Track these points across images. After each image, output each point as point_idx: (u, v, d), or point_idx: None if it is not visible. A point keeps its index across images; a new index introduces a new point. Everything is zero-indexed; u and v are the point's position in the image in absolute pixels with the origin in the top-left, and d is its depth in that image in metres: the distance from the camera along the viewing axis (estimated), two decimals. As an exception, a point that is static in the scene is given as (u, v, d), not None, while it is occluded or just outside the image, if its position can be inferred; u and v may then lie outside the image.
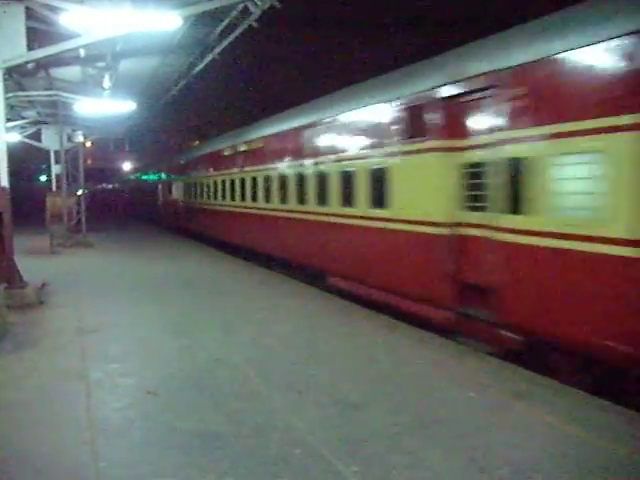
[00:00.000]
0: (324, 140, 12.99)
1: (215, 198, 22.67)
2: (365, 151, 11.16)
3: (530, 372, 7.02)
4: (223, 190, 21.44)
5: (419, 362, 7.51)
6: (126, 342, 8.70)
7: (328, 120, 12.76)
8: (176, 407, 6.11)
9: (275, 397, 6.34)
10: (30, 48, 11.15)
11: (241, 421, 5.70)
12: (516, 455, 4.96)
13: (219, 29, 14.48)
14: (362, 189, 11.18)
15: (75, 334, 9.17)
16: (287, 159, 15.13)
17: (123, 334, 9.18)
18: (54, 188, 26.48)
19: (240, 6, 12.36)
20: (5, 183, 11.21)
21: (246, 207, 18.68)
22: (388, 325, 9.50)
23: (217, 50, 15.46)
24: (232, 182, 20.28)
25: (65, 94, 19.72)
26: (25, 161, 35.58)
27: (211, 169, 23.49)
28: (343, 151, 12.02)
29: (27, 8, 10.96)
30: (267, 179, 16.56)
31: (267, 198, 16.70)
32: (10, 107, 20.47)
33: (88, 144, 38.93)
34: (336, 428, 5.52)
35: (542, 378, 6.82)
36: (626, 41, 6.08)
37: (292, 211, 14.77)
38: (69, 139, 25.91)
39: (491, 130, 7.93)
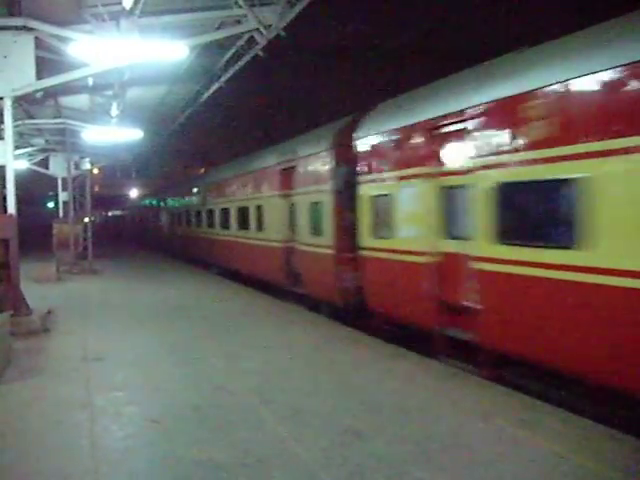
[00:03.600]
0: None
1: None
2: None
3: (535, 400, 6.93)
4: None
5: (423, 390, 7.44)
6: (130, 370, 8.66)
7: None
8: (180, 436, 6.06)
9: (279, 426, 6.28)
10: (39, 77, 11.31)
11: (245, 450, 5.63)
12: (524, 486, 4.88)
13: (225, 58, 14.71)
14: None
15: (80, 362, 9.15)
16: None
17: (127, 362, 9.15)
18: (61, 215, 26.68)
19: (246, 36, 12.56)
20: (12, 210, 11.30)
21: None
22: (392, 353, 9.42)
23: (223, 79, 15.69)
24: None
25: (73, 122, 19.96)
26: (33, 188, 35.86)
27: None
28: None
29: (36, 38, 11.16)
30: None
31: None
32: (19, 135, 20.73)
33: (95, 171, 39.20)
34: (341, 457, 5.44)
35: (548, 406, 6.71)
36: None
37: None
38: (76, 166, 26.18)
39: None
